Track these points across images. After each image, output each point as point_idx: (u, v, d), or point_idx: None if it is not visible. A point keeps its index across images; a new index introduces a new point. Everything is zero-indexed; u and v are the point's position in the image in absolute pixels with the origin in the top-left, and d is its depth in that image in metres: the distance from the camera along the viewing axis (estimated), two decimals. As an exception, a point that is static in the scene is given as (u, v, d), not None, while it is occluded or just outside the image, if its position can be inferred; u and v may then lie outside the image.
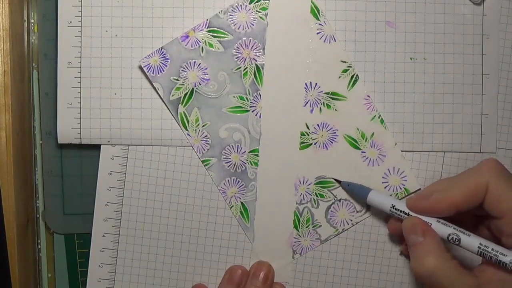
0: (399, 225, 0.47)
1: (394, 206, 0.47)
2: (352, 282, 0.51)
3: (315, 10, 0.50)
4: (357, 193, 0.49)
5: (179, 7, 0.50)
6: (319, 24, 0.50)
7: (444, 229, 0.45)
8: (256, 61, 0.50)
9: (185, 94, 0.50)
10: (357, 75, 0.50)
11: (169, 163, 0.50)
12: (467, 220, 0.47)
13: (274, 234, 0.51)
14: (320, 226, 0.51)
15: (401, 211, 0.46)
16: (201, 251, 0.51)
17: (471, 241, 0.44)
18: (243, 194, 0.50)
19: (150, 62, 0.49)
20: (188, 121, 0.50)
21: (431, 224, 0.45)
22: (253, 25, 0.50)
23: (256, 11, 0.50)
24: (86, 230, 0.51)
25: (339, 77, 0.50)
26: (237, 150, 0.50)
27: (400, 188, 0.50)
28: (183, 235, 0.51)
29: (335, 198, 0.51)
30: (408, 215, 0.46)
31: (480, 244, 0.43)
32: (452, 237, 0.44)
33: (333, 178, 0.50)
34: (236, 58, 0.50)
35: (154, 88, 0.49)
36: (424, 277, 0.43)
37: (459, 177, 0.45)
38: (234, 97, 0.50)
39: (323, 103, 0.50)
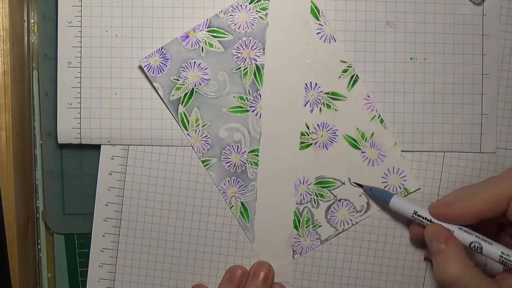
0: (421, 230, 0.47)
1: (417, 212, 0.47)
2: (352, 282, 0.51)
3: (315, 10, 0.50)
4: (379, 197, 0.49)
5: (179, 7, 0.50)
6: (319, 24, 0.50)
7: (466, 236, 0.45)
8: (256, 61, 0.50)
9: (185, 94, 0.50)
10: (357, 75, 0.50)
11: (169, 163, 0.50)
12: (488, 227, 0.47)
13: (274, 234, 0.51)
14: (320, 226, 0.51)
15: (423, 218, 0.46)
16: (201, 251, 0.51)
17: (493, 249, 0.44)
18: (243, 194, 0.50)
19: (150, 62, 0.49)
20: (188, 121, 0.50)
21: (453, 231, 0.45)
22: (253, 25, 0.50)
23: (256, 11, 0.50)
24: (86, 230, 0.51)
25: (339, 77, 0.50)
26: (237, 150, 0.50)
27: (400, 188, 0.50)
28: (183, 235, 0.51)
29: (335, 198, 0.51)
30: (431, 221, 0.46)
31: (502, 253, 0.43)
32: (474, 245, 0.44)
33: (354, 183, 0.50)
34: (236, 58, 0.50)
35: (154, 88, 0.49)
36: (447, 284, 0.43)
37: (483, 185, 0.45)
38: (234, 97, 0.50)
39: (323, 103, 0.50)
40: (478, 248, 0.44)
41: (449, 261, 0.43)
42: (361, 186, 0.50)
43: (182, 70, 0.49)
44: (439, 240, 0.44)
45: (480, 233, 0.45)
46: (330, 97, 0.50)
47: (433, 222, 0.46)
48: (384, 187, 0.50)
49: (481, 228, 0.45)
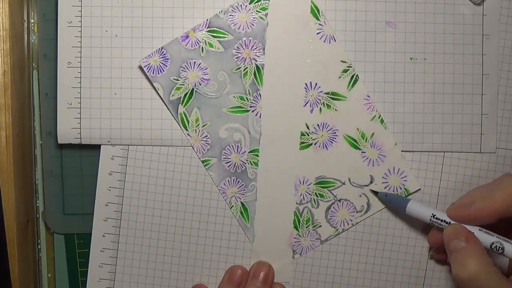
0: (440, 236, 0.46)
1: (435, 215, 0.46)
2: (352, 282, 0.51)
3: (315, 10, 0.50)
4: (395, 203, 0.49)
5: (179, 7, 0.50)
6: (319, 24, 0.50)
7: (487, 237, 0.44)
8: (256, 61, 0.50)
9: (185, 94, 0.50)
10: (357, 75, 0.50)
11: (169, 163, 0.50)
12: (500, 225, 0.46)
13: (274, 234, 0.51)
14: (320, 226, 0.51)
15: (441, 220, 0.46)
16: (201, 251, 0.51)
17: None
18: (243, 194, 0.50)
19: (150, 62, 0.49)
20: (188, 121, 0.50)
21: (473, 232, 0.45)
22: (253, 25, 0.50)
23: (256, 11, 0.50)
24: (86, 230, 0.51)
25: (339, 77, 0.50)
26: (237, 150, 0.50)
27: (400, 188, 0.50)
28: (183, 235, 0.51)
29: (335, 198, 0.51)
30: (449, 224, 0.46)
31: None
32: (496, 246, 0.44)
33: (371, 190, 0.50)
34: (236, 58, 0.50)
35: (154, 88, 0.49)
36: (466, 282, 0.42)
37: (500, 183, 0.45)
38: (234, 97, 0.50)
39: (323, 103, 0.50)
40: (500, 248, 0.44)
41: (470, 259, 0.43)
42: (376, 193, 0.50)
43: (182, 70, 0.49)
44: (459, 238, 0.44)
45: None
46: (330, 97, 0.50)
47: (452, 223, 0.46)
48: (385, 188, 0.50)
49: (493, 228, 0.45)
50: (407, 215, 0.48)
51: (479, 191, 0.46)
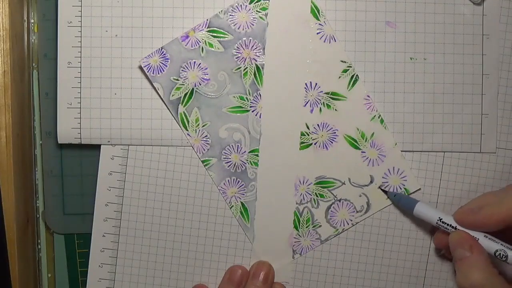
0: (445, 238, 0.47)
1: (441, 219, 0.47)
2: (352, 282, 0.51)
3: (315, 10, 0.50)
4: (403, 204, 0.49)
5: (179, 7, 0.50)
6: (319, 24, 0.50)
7: (491, 244, 0.44)
8: (256, 61, 0.50)
9: (185, 94, 0.50)
10: (357, 75, 0.50)
11: (169, 163, 0.50)
12: (507, 233, 0.46)
13: (274, 234, 0.51)
14: (320, 226, 0.51)
15: (448, 224, 0.46)
16: (201, 251, 0.51)
17: None
18: (243, 194, 0.50)
19: (150, 62, 0.49)
20: (188, 121, 0.50)
21: (478, 239, 0.45)
22: (253, 25, 0.50)
23: (256, 11, 0.50)
24: (86, 230, 0.51)
25: (339, 77, 0.50)
26: (237, 150, 0.50)
27: (400, 188, 0.50)
28: (183, 235, 0.51)
29: (335, 198, 0.51)
30: (455, 228, 0.46)
31: None
32: (500, 253, 0.44)
33: (380, 188, 0.50)
34: (236, 58, 0.50)
35: (154, 88, 0.49)
36: None
37: (509, 190, 0.45)
38: (234, 97, 0.50)
39: (323, 103, 0.50)
40: (503, 256, 0.44)
41: (473, 269, 0.43)
42: (385, 192, 0.50)
43: (182, 70, 0.49)
44: (463, 247, 0.44)
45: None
46: (330, 97, 0.50)
47: (458, 229, 0.46)
48: (385, 188, 0.50)
49: (500, 235, 0.45)
50: (414, 216, 0.49)
51: (488, 197, 0.46)
